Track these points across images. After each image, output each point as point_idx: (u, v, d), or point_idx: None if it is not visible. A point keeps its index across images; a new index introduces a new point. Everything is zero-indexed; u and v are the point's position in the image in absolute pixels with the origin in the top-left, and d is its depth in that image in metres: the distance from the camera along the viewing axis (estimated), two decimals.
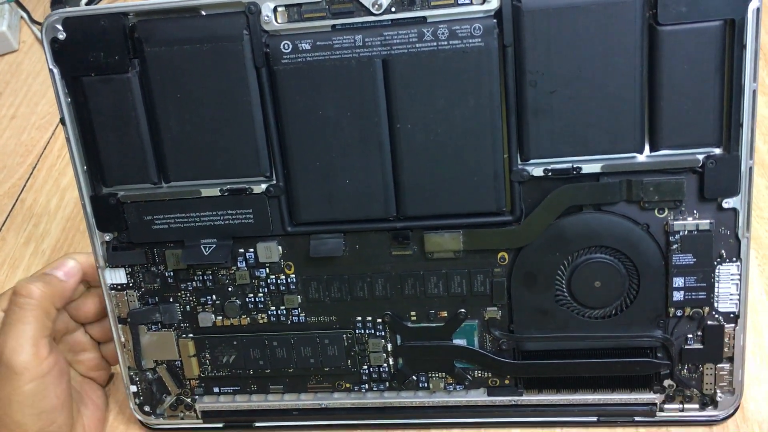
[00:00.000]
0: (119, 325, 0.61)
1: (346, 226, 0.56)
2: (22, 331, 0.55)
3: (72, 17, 0.53)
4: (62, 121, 0.55)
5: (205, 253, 0.57)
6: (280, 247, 0.57)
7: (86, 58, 0.53)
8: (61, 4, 1.11)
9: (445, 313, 0.57)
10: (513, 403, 0.59)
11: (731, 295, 0.53)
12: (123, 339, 0.61)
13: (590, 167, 0.52)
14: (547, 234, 0.53)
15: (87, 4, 1.11)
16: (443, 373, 0.59)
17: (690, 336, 0.55)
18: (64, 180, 0.88)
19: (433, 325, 0.57)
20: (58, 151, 0.92)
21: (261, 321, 0.59)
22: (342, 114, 0.52)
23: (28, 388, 0.55)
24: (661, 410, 0.57)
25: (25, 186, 0.89)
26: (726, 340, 0.54)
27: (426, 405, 0.60)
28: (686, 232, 0.52)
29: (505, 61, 0.50)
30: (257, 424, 0.63)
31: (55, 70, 0.54)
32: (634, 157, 0.51)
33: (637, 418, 0.58)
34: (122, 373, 0.62)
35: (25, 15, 1.14)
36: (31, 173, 0.90)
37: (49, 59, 0.54)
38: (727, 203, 0.51)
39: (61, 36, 0.53)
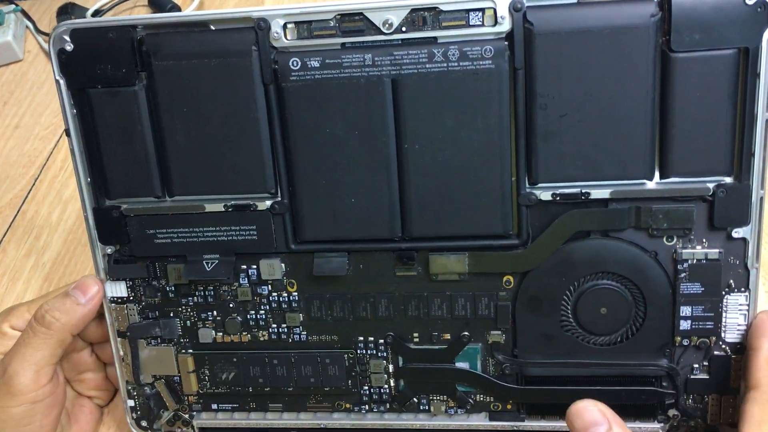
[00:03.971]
0: (118, 339, 0.60)
1: (351, 245, 0.55)
2: (31, 356, 0.56)
3: (80, 29, 0.53)
4: (67, 132, 0.55)
5: (208, 269, 0.57)
6: (283, 265, 0.57)
7: (93, 70, 0.53)
8: (67, 14, 1.11)
9: (448, 336, 0.57)
10: (515, 428, 0.58)
11: (739, 325, 0.53)
12: (122, 353, 0.60)
13: (599, 192, 0.51)
14: (554, 259, 0.53)
15: (93, 14, 1.12)
16: (445, 396, 0.58)
17: (696, 366, 0.54)
18: (67, 192, 0.88)
19: (436, 347, 0.57)
20: (61, 162, 0.92)
21: (262, 338, 0.59)
22: (349, 133, 0.52)
23: (16, 410, 0.55)
24: None
25: (27, 197, 0.88)
26: (732, 371, 0.54)
27: (427, 428, 0.59)
28: (695, 261, 0.52)
29: (516, 84, 0.50)
30: None
31: (62, 81, 0.54)
32: (643, 184, 0.51)
33: None
34: (120, 387, 0.61)
35: (30, 25, 1.14)
36: (34, 184, 0.90)
37: (56, 70, 0.54)
38: (737, 233, 0.51)
39: (69, 47, 0.53)
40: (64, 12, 1.12)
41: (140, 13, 1.13)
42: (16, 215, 0.87)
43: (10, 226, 0.86)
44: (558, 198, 0.52)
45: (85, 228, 0.58)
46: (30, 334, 0.56)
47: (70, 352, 0.62)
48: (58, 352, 0.57)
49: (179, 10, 1.09)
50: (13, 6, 1.13)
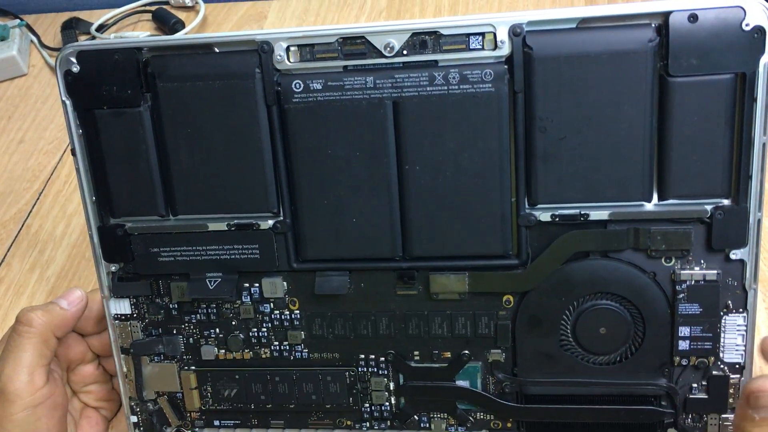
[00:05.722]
0: (122, 356, 0.60)
1: (352, 264, 0.56)
2: (19, 358, 0.56)
3: (86, 51, 0.53)
4: (73, 152, 0.55)
5: (210, 287, 0.57)
6: (285, 283, 0.57)
7: (99, 91, 0.54)
8: (71, 29, 1.12)
9: (448, 354, 0.57)
10: None
11: (737, 345, 0.53)
12: (125, 369, 0.61)
13: (598, 214, 0.52)
14: (553, 279, 0.54)
15: (97, 29, 1.12)
16: (445, 414, 0.59)
17: (695, 385, 0.55)
18: (71, 206, 0.88)
19: (436, 365, 0.57)
20: (65, 177, 0.92)
21: (264, 356, 0.59)
22: (351, 154, 0.53)
23: (19, 417, 0.55)
24: None
25: (31, 212, 0.89)
26: (731, 390, 0.54)
27: None
28: (693, 282, 0.52)
29: (515, 107, 0.50)
30: None
31: (68, 102, 0.54)
32: (642, 206, 0.51)
33: None
34: (123, 403, 0.62)
35: (35, 39, 1.15)
36: (38, 199, 0.90)
37: (63, 91, 0.54)
38: (735, 254, 0.51)
39: (75, 69, 0.53)
40: (69, 27, 1.13)
41: (144, 28, 1.13)
42: (20, 229, 0.87)
43: (14, 240, 0.86)
44: (557, 219, 0.52)
45: (90, 244, 0.58)
46: (14, 336, 0.56)
47: (79, 363, 0.62)
48: (46, 353, 0.57)
49: (183, 25, 1.10)
50: (17, 21, 1.14)
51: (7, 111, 1.04)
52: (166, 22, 1.11)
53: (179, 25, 1.10)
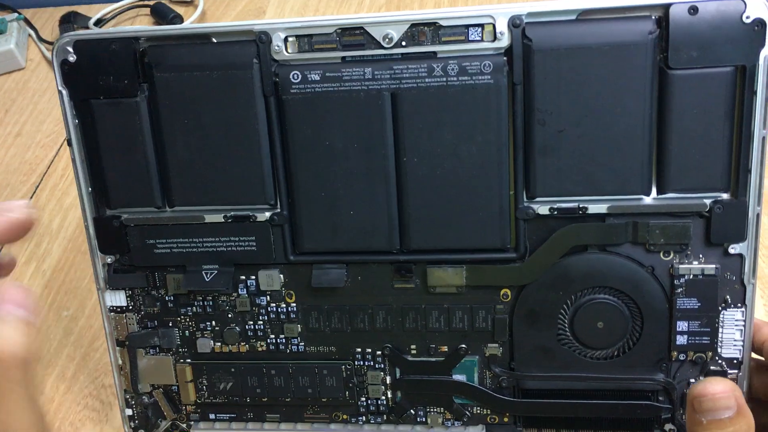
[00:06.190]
0: (117, 348, 0.60)
1: (349, 257, 0.55)
2: None
3: (83, 40, 0.53)
4: (69, 142, 0.55)
5: (207, 279, 0.57)
6: (281, 276, 0.57)
7: (96, 81, 0.53)
8: (69, 23, 1.12)
9: (445, 348, 0.57)
10: None
11: (735, 340, 0.53)
12: (120, 362, 0.60)
13: (596, 207, 0.51)
14: (551, 273, 0.53)
15: (95, 23, 1.12)
16: (442, 408, 0.58)
17: (692, 380, 0.54)
18: (67, 200, 0.88)
19: (433, 359, 0.57)
20: (62, 171, 0.92)
21: (260, 349, 0.59)
22: (349, 145, 0.52)
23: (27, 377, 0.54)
24: None
25: None
26: None
27: None
28: (691, 276, 0.52)
29: (514, 99, 0.50)
30: None
31: (64, 92, 0.54)
32: (640, 199, 0.51)
33: None
34: (118, 396, 0.61)
35: (32, 33, 1.14)
36: (35, 192, 0.90)
37: (59, 81, 0.54)
38: (734, 249, 0.51)
39: (72, 58, 0.53)
40: (67, 21, 1.13)
41: (142, 23, 1.13)
42: None
43: None
44: (556, 212, 0.52)
45: (86, 237, 0.58)
46: None
47: None
48: None
49: (182, 20, 1.09)
50: (15, 14, 1.14)
51: (5, 104, 1.04)
52: (164, 17, 1.11)
53: (177, 19, 1.10)
